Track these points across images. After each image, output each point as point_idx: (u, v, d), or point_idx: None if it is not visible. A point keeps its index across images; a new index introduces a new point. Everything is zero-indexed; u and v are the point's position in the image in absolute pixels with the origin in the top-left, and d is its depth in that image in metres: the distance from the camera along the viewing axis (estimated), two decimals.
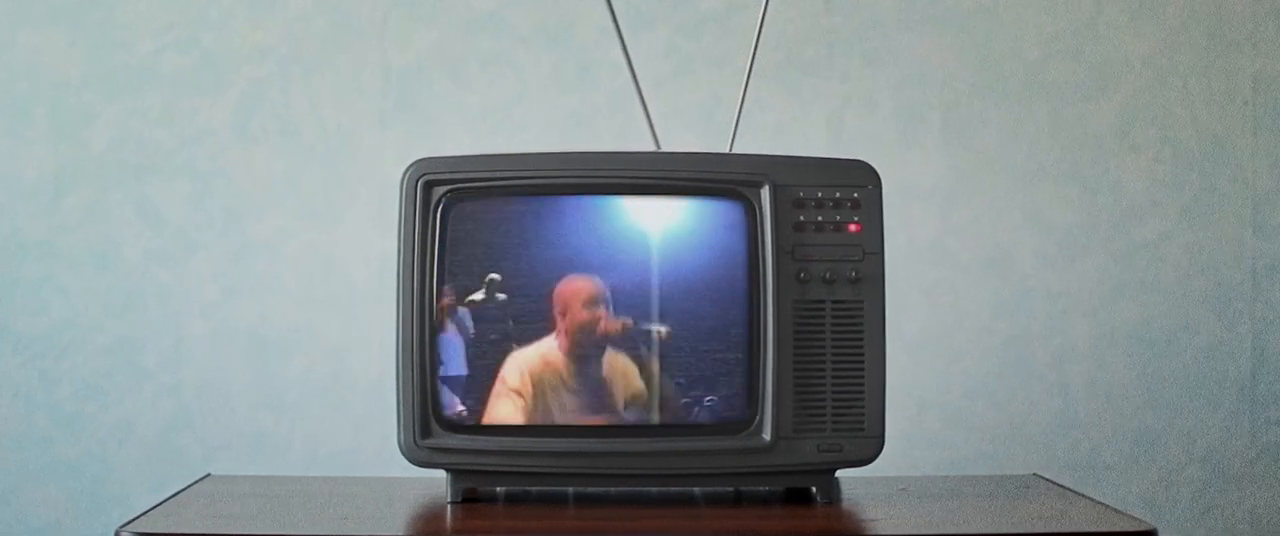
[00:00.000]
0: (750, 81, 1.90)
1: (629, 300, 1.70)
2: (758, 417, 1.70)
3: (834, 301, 1.72)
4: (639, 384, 1.70)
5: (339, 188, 2.28)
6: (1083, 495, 1.81)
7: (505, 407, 1.69)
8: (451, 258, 1.69)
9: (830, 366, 1.71)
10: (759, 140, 2.25)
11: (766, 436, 1.70)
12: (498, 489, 1.78)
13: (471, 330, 1.69)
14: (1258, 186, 2.31)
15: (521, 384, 1.69)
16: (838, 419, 1.72)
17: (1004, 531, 1.60)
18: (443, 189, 1.69)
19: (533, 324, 1.70)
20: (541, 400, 1.69)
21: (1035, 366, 2.30)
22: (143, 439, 2.27)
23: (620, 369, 1.69)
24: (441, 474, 1.73)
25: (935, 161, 2.30)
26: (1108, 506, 1.74)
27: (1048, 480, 1.92)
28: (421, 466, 1.71)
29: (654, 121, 1.91)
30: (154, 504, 1.74)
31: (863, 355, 1.72)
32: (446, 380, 1.70)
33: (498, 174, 1.70)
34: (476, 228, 1.69)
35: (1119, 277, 2.31)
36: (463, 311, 1.70)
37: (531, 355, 1.69)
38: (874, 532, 1.64)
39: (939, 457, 2.29)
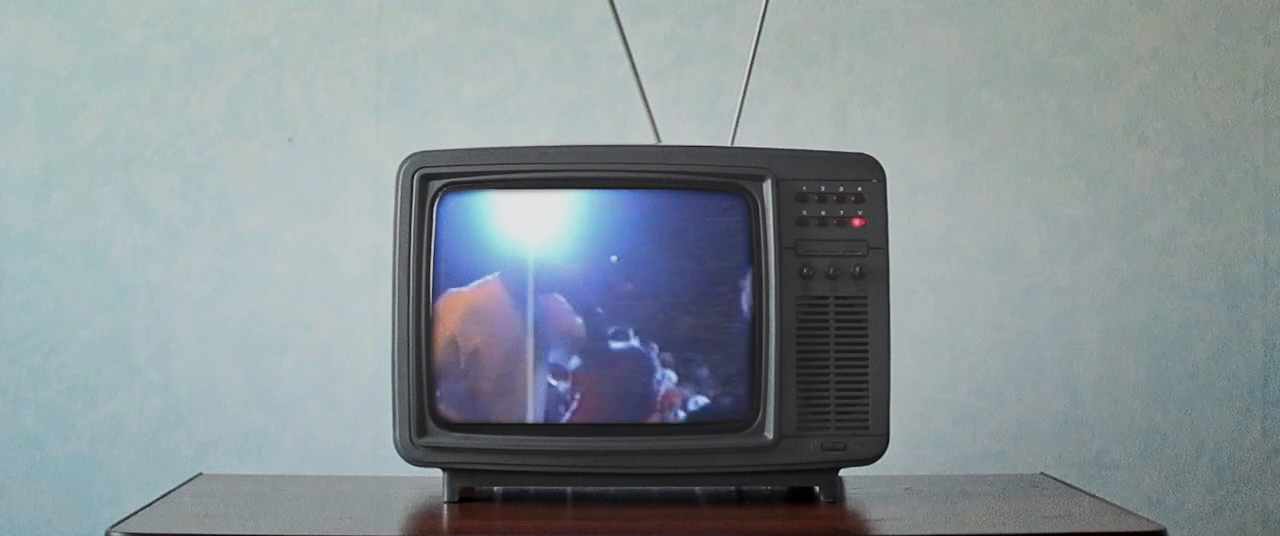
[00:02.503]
0: (753, 72, 1.89)
1: (628, 296, 1.68)
2: (760, 416, 1.70)
3: (837, 297, 1.72)
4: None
5: (333, 181, 2.27)
6: (1091, 494, 1.81)
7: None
8: (447, 252, 1.68)
9: (834, 363, 1.71)
10: (761, 133, 2.25)
11: (769, 434, 1.70)
12: (495, 488, 1.78)
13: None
14: (1269, 180, 2.31)
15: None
16: (841, 417, 1.71)
17: (1011, 531, 1.60)
18: (439, 182, 1.69)
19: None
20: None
21: (1042, 363, 2.30)
22: (133, 437, 2.26)
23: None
24: (437, 473, 1.73)
25: (941, 155, 2.29)
26: (1116, 506, 1.74)
27: (1055, 479, 1.92)
28: (417, 465, 1.71)
29: (654, 113, 1.91)
30: (145, 503, 1.73)
31: (867, 352, 1.72)
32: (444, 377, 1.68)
33: (494, 167, 1.70)
34: (472, 222, 1.68)
35: (1128, 273, 2.30)
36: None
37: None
38: (879, 533, 1.63)
39: (945, 456, 2.29)
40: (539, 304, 1.69)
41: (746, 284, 1.70)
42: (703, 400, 1.70)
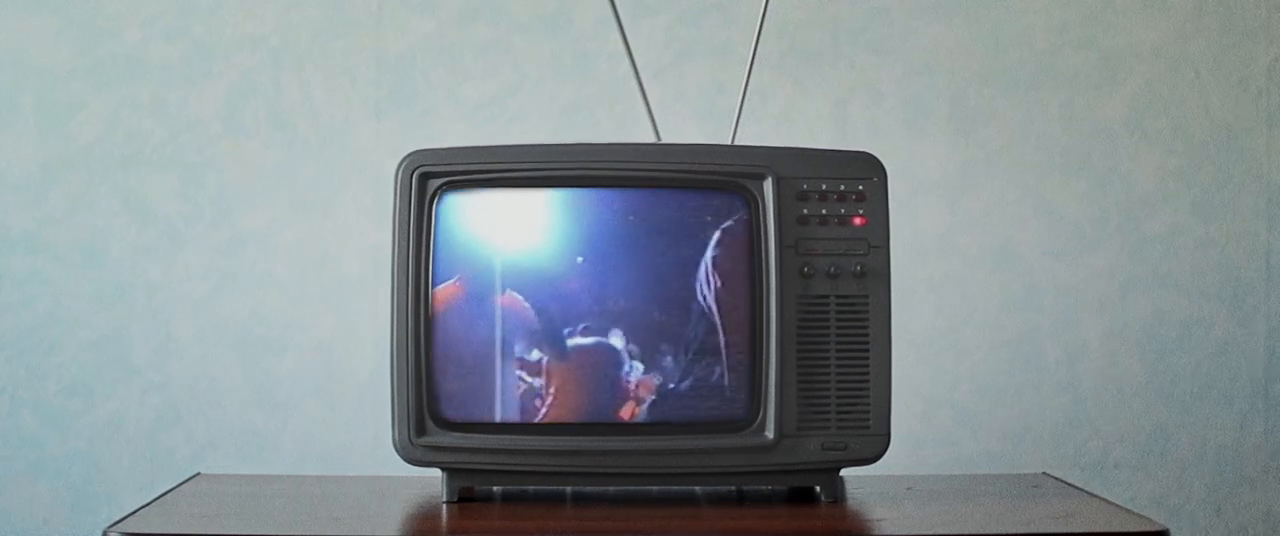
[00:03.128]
0: (753, 71, 1.88)
1: (627, 294, 1.68)
2: (760, 415, 1.69)
3: (838, 296, 1.71)
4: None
5: (332, 180, 2.26)
6: (1093, 494, 1.80)
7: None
8: (446, 251, 1.67)
9: (835, 363, 1.70)
10: (762, 131, 2.24)
11: (769, 434, 1.69)
12: (494, 488, 1.77)
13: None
14: (1272, 178, 2.30)
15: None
16: (842, 416, 1.70)
17: (1012, 532, 1.59)
18: (438, 181, 1.68)
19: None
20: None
21: (1044, 363, 2.29)
22: (131, 437, 2.25)
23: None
24: (436, 473, 1.72)
25: (942, 153, 2.28)
26: (1118, 506, 1.73)
27: (1057, 479, 1.91)
28: (416, 465, 1.70)
29: (654, 112, 1.90)
30: (143, 503, 1.72)
31: (868, 351, 1.71)
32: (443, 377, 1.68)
33: (494, 166, 1.69)
34: (472, 221, 1.68)
35: (1130, 272, 2.29)
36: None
37: None
38: (880, 533, 1.62)
39: (946, 456, 2.28)
40: (538, 302, 1.68)
41: (747, 282, 1.68)
42: (702, 398, 1.68)
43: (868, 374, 1.70)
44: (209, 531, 1.61)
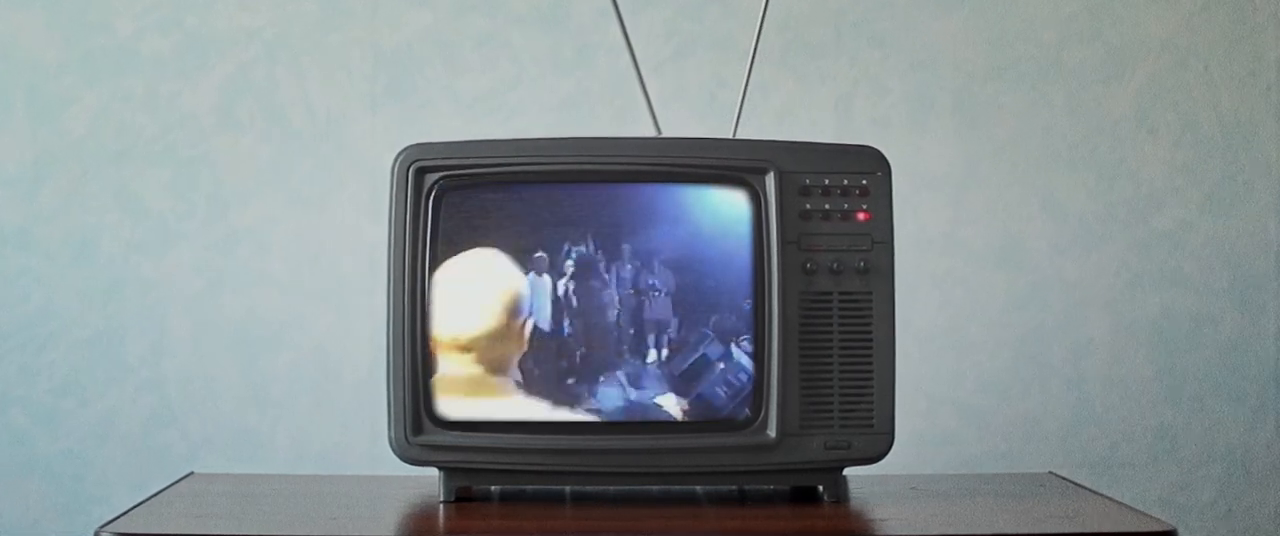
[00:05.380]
0: (755, 64, 1.87)
1: (628, 290, 1.68)
2: (762, 414, 1.68)
3: (841, 293, 1.70)
4: None
5: (328, 175, 2.26)
6: (1100, 494, 1.79)
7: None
8: (444, 247, 1.67)
9: (837, 360, 1.70)
10: (764, 125, 2.24)
11: (771, 433, 1.68)
12: (492, 487, 1.76)
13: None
14: None
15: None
16: (845, 415, 1.70)
17: (1018, 531, 1.58)
18: (435, 176, 1.68)
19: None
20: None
21: (1050, 360, 2.28)
22: (124, 435, 2.25)
23: None
24: (434, 472, 1.72)
25: (947, 147, 2.28)
26: (1126, 506, 1.73)
27: (1063, 478, 1.91)
28: (413, 464, 1.69)
29: (654, 105, 1.89)
30: (135, 503, 1.72)
31: (871, 349, 1.70)
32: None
33: (492, 160, 1.69)
34: (470, 216, 1.67)
35: (1138, 268, 2.29)
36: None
37: None
38: (883, 533, 1.62)
39: (950, 455, 2.27)
40: (537, 298, 1.67)
41: (748, 279, 1.67)
42: (703, 397, 1.67)
43: (871, 371, 1.69)
44: (203, 531, 1.60)
